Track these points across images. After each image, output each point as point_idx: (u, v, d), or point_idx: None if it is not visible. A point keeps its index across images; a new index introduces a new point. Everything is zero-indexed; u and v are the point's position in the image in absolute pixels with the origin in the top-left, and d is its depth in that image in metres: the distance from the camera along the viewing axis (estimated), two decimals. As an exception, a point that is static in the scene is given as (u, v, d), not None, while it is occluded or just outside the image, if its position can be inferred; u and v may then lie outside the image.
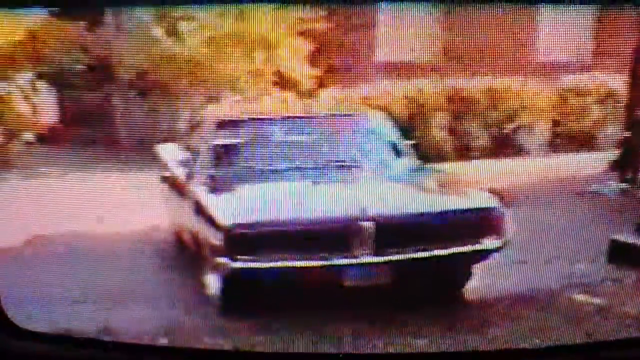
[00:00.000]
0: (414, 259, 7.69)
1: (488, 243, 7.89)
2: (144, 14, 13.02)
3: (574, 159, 12.86)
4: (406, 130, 9.90)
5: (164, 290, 8.65)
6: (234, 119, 9.52)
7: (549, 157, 13.16)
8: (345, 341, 7.41)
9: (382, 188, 8.55)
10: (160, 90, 13.14)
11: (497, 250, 7.96)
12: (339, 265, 7.64)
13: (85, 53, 13.53)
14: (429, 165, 9.61)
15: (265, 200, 8.12)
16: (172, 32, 13.02)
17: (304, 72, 13.49)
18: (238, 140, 9.07)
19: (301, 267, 7.61)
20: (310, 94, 13.27)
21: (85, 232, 9.94)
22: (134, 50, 13.15)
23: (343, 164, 8.88)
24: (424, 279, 8.17)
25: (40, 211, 9.83)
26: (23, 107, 12.42)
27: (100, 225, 10.01)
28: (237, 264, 7.52)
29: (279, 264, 7.57)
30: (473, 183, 9.49)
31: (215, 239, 7.67)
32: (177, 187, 9.18)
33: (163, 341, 7.46)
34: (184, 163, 9.15)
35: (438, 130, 13.11)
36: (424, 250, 7.73)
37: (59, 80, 12.96)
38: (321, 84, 13.37)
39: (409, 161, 9.16)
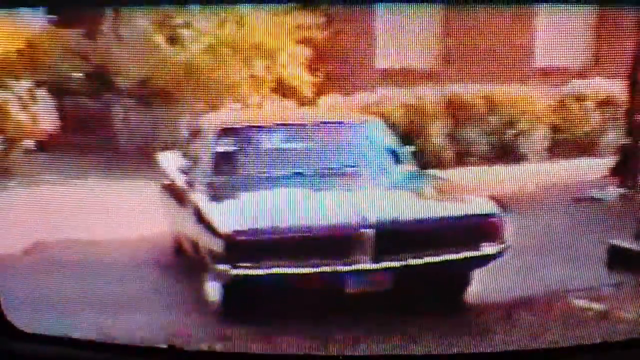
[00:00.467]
0: (414, 265, 7.69)
1: (488, 249, 7.89)
2: (143, 22, 13.04)
3: (573, 164, 12.87)
4: (405, 137, 9.91)
5: (163, 297, 8.65)
6: (233, 126, 9.51)
7: (548, 163, 13.18)
8: (346, 347, 7.42)
9: (381, 195, 8.55)
10: (160, 97, 13.16)
11: (496, 256, 7.97)
12: (339, 272, 7.64)
13: (85, 61, 13.56)
14: (428, 172, 9.62)
15: (265, 207, 8.12)
16: (172, 40, 13.04)
17: (303, 80, 13.51)
18: (238, 148, 9.08)
19: (301, 274, 7.61)
20: (310, 101, 13.29)
21: (85, 238, 9.96)
22: (133, 58, 13.17)
23: (343, 171, 8.89)
24: (424, 285, 8.17)
25: (40, 218, 9.85)
26: (22, 115, 12.44)
27: (100, 232, 10.03)
28: (237, 271, 7.52)
29: (279, 271, 7.57)
30: (473, 189, 9.50)
31: (215, 246, 7.67)
32: (177, 194, 9.18)
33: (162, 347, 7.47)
34: (184, 170, 9.15)
35: (437, 136, 13.13)
36: (424, 256, 7.73)
37: (58, 88, 12.98)
38: (321, 91, 13.39)
39: (409, 168, 9.16)
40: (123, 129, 13.61)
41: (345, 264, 7.64)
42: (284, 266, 7.56)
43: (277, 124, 9.64)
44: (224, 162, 8.91)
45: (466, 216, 8.08)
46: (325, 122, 9.86)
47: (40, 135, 12.54)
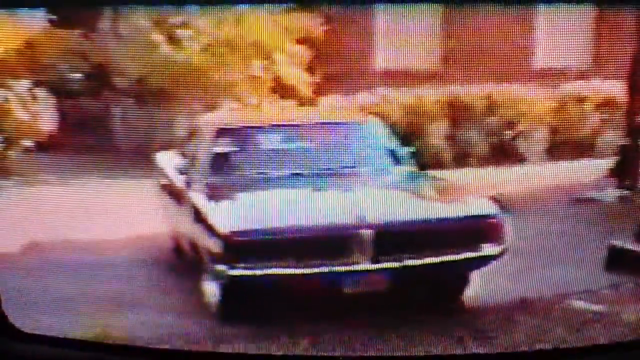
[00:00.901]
0: (412, 266, 7.68)
1: (487, 250, 7.89)
2: (141, 22, 13.04)
3: (572, 165, 12.87)
4: (405, 137, 9.90)
5: (162, 297, 8.65)
6: (232, 126, 9.51)
7: (547, 164, 13.17)
8: (344, 348, 7.41)
9: (380, 195, 8.54)
10: (158, 97, 13.15)
11: (496, 257, 7.96)
12: (338, 273, 7.64)
13: (84, 61, 13.55)
14: (427, 173, 9.61)
15: (263, 207, 8.11)
16: (171, 40, 13.04)
17: (302, 80, 13.50)
18: (236, 148, 9.07)
19: (300, 275, 7.60)
20: (308, 101, 13.29)
21: (83, 238, 9.95)
22: (132, 57, 13.16)
23: (342, 171, 8.88)
24: (423, 285, 8.17)
25: (39, 218, 9.84)
26: (22, 115, 12.43)
27: (99, 232, 10.02)
28: (236, 271, 7.52)
29: (278, 271, 7.56)
30: (472, 190, 9.49)
31: (214, 246, 7.67)
32: (175, 194, 9.17)
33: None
34: (183, 170, 9.15)
35: (437, 137, 13.12)
36: (422, 257, 7.72)
37: (57, 88, 12.97)
38: (320, 91, 13.39)
39: (408, 168, 9.15)
40: (122, 129, 13.60)
41: (343, 265, 7.63)
42: (282, 266, 7.56)
43: (276, 124, 9.64)
44: (222, 162, 8.90)
45: (465, 217, 8.07)
46: (324, 123, 9.85)
47: (39, 134, 12.54)
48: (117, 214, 10.28)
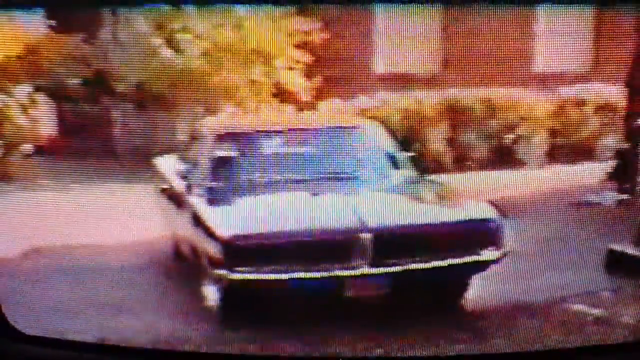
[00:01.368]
0: (412, 270, 7.69)
1: (486, 254, 7.90)
2: (142, 26, 13.05)
3: (572, 169, 12.87)
4: (404, 141, 9.91)
5: (162, 301, 8.66)
6: (232, 131, 9.52)
7: (547, 168, 13.18)
8: (344, 352, 7.42)
9: (380, 200, 8.55)
10: (159, 102, 13.15)
11: (495, 261, 7.97)
12: (338, 277, 7.65)
13: (83, 66, 13.55)
14: (427, 177, 9.62)
15: (263, 212, 8.12)
16: (171, 45, 13.04)
17: (302, 84, 13.51)
18: (236, 153, 9.08)
19: (299, 279, 7.61)
20: (308, 106, 13.29)
21: (84, 243, 9.95)
22: (132, 62, 13.17)
23: (341, 175, 8.89)
24: (423, 289, 8.17)
25: (39, 222, 9.85)
26: (22, 120, 12.44)
27: (99, 236, 10.03)
28: (236, 275, 7.53)
29: (278, 275, 7.57)
30: (471, 194, 9.51)
31: (214, 250, 7.68)
32: (175, 198, 9.18)
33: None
34: (183, 175, 9.16)
35: (436, 141, 13.13)
36: (422, 261, 7.73)
37: (57, 92, 12.98)
38: (319, 95, 13.39)
39: (407, 173, 9.16)
40: (122, 134, 13.60)
41: (343, 269, 7.65)
42: (283, 271, 7.57)
43: (276, 129, 9.65)
44: (222, 166, 8.90)
45: (465, 221, 8.08)
46: (323, 127, 9.86)
47: (39, 139, 12.54)
48: (117, 218, 10.28)
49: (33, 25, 12.96)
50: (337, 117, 11.94)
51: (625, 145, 11.96)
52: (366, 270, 7.63)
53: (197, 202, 8.50)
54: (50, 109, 12.75)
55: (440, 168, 12.51)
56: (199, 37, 13.10)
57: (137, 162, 11.85)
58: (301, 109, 13.16)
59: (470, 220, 8.08)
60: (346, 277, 7.63)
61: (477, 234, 7.92)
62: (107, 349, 7.22)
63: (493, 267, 8.03)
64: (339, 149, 9.31)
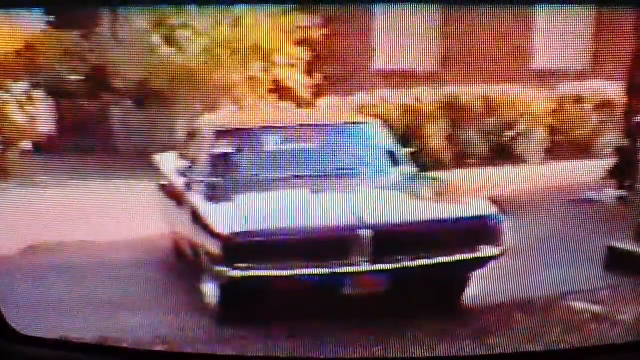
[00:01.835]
0: (412, 267, 7.68)
1: (486, 251, 7.88)
2: (140, 23, 13.04)
3: (572, 166, 12.88)
4: (404, 138, 9.90)
5: (161, 298, 8.65)
6: (231, 128, 9.51)
7: (546, 165, 13.18)
8: (343, 349, 7.41)
9: (380, 196, 8.54)
10: (158, 99, 13.15)
11: (495, 258, 7.95)
12: (337, 274, 7.64)
13: (82, 62, 13.55)
14: (427, 174, 9.61)
15: (263, 209, 8.11)
16: (170, 42, 13.04)
17: (301, 81, 13.51)
18: (236, 150, 9.07)
19: (299, 275, 7.61)
20: (307, 103, 13.29)
21: (82, 240, 9.95)
22: (131, 59, 13.17)
23: (341, 172, 8.88)
24: (422, 286, 8.16)
25: (38, 220, 9.84)
26: (20, 117, 12.43)
27: (98, 234, 10.02)
28: (235, 273, 7.52)
29: (277, 272, 7.56)
30: (471, 191, 9.49)
31: (213, 247, 7.67)
32: (175, 195, 9.17)
33: (160, 349, 7.46)
34: (182, 172, 9.14)
35: (435, 138, 13.12)
36: (422, 258, 7.72)
37: (56, 89, 12.97)
38: (318, 92, 13.39)
39: (407, 169, 9.15)
40: (121, 131, 13.60)
41: (342, 266, 7.63)
42: (282, 268, 7.56)
43: (275, 126, 9.64)
44: (222, 163, 8.89)
45: (464, 218, 8.07)
46: (322, 124, 9.85)
47: (37, 136, 12.53)
48: (115, 216, 10.28)
49: (31, 22, 12.95)
50: (337, 114, 11.93)
51: (625, 143, 11.96)
52: (366, 267, 7.62)
53: (197, 199, 8.50)
54: (48, 106, 12.73)
55: (439, 165, 12.51)
56: (198, 34, 13.10)
57: (136, 159, 11.84)
58: (300, 106, 13.16)
59: (470, 217, 8.07)
60: (346, 274, 7.62)
61: (476, 231, 7.91)
62: (106, 350, 7.21)
63: (492, 264, 8.01)
64: (338, 146, 9.30)
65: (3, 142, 12.19)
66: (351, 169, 8.97)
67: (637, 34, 11.59)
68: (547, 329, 7.74)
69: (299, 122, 9.90)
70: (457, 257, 7.82)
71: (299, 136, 9.38)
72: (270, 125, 9.69)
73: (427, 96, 13.29)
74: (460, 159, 13.06)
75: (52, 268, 9.30)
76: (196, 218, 8.20)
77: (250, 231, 7.64)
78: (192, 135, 9.84)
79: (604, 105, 13.70)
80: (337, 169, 8.91)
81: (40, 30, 13.27)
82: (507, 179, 12.22)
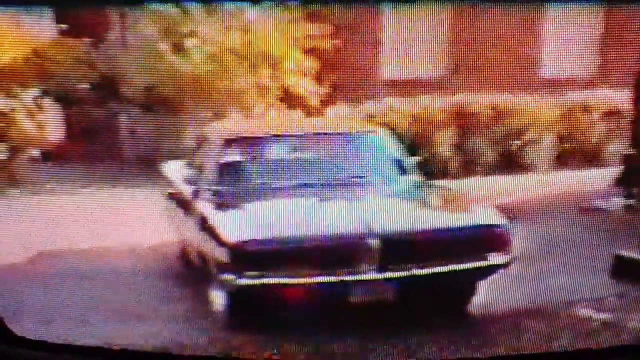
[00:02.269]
0: (419, 275, 7.68)
1: (494, 259, 7.88)
2: (149, 31, 13.08)
3: (579, 175, 12.88)
4: (411, 147, 9.92)
5: (169, 306, 8.66)
6: (240, 136, 9.53)
7: (554, 173, 13.18)
8: (351, 357, 7.42)
9: (387, 205, 8.55)
10: (166, 106, 13.18)
11: (503, 266, 7.95)
12: (345, 282, 7.64)
13: (91, 70, 13.59)
14: (434, 182, 9.61)
15: (271, 217, 8.12)
16: (178, 49, 13.07)
17: (309, 90, 13.53)
18: (244, 158, 9.10)
19: (306, 284, 7.61)
20: (316, 111, 13.31)
21: (90, 247, 9.97)
22: (140, 67, 13.20)
23: (349, 181, 8.89)
24: (430, 295, 8.17)
25: (45, 226, 9.87)
26: (29, 124, 12.47)
27: (105, 241, 10.04)
28: (243, 281, 7.53)
29: (285, 280, 7.57)
30: (479, 199, 9.50)
31: (221, 255, 7.68)
32: (183, 203, 9.19)
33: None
34: (190, 180, 9.16)
35: (443, 146, 13.14)
36: (429, 266, 7.72)
37: (65, 97, 13.01)
38: (327, 101, 13.41)
39: (415, 178, 9.16)
40: (129, 138, 13.64)
41: (350, 274, 7.64)
42: (290, 276, 7.56)
43: (283, 134, 9.66)
44: (230, 171, 8.91)
45: (472, 226, 8.07)
46: (331, 133, 9.87)
47: (46, 144, 12.57)
48: (123, 223, 10.30)
49: (41, 29, 13.00)
50: (345, 123, 11.94)
51: (633, 151, 11.97)
52: (374, 275, 7.63)
53: (205, 207, 8.51)
54: (57, 114, 12.77)
55: (447, 173, 12.52)
56: (207, 42, 13.13)
57: (144, 167, 11.87)
58: (309, 114, 13.18)
59: (478, 226, 8.07)
60: (354, 282, 7.63)
61: (484, 239, 7.91)
62: (111, 354, 7.21)
63: (501, 272, 8.01)
64: (347, 155, 9.32)
65: (12, 149, 12.23)
66: (360, 178, 8.97)
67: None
68: (555, 335, 7.74)
69: (307, 131, 9.92)
70: (466, 265, 7.82)
71: (307, 145, 9.40)
72: (278, 133, 9.71)
73: (435, 104, 13.30)
74: (468, 167, 13.07)
75: (58, 274, 9.33)
76: (204, 226, 8.21)
77: (258, 239, 7.65)
78: (200, 143, 9.85)
79: (612, 114, 13.70)
80: (346, 178, 8.92)
81: (50, 38, 13.31)
82: (514, 187, 12.22)
